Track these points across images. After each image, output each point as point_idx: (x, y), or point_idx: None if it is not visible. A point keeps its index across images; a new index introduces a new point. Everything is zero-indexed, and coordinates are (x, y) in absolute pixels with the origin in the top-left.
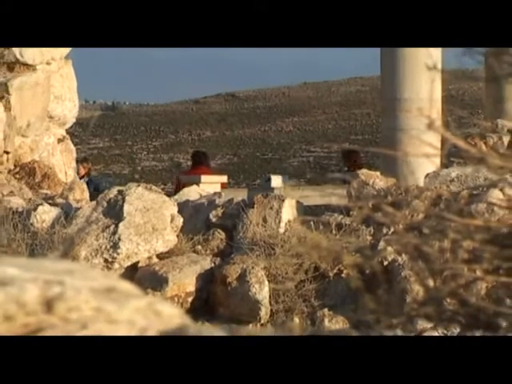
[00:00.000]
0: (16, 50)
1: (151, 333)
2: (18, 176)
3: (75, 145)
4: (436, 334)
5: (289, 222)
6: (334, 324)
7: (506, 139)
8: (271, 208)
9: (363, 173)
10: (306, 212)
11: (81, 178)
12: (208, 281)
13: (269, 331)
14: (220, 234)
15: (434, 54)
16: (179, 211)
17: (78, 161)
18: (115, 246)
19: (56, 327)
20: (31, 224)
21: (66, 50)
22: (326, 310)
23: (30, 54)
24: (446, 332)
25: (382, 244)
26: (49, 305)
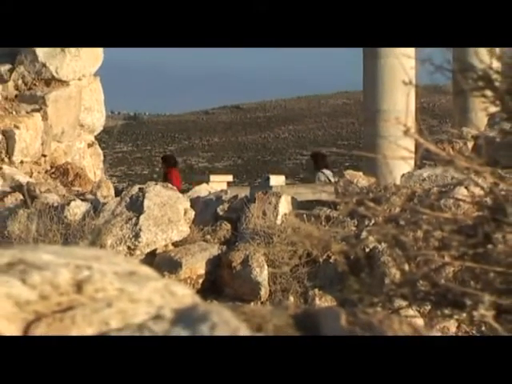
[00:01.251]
0: (52, 68)
1: (167, 310)
2: (53, 176)
3: (102, 149)
4: (411, 311)
5: (285, 215)
6: (324, 302)
7: (470, 144)
8: (270, 203)
9: (348, 173)
10: (300, 206)
11: None
12: (216, 265)
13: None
14: (226, 225)
15: (409, 72)
16: (191, 206)
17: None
18: (137, 236)
19: (85, 305)
20: (65, 217)
21: (94, 68)
22: (316, 290)
23: (64, 71)
24: (419, 309)
25: (364, 234)
26: (79, 286)
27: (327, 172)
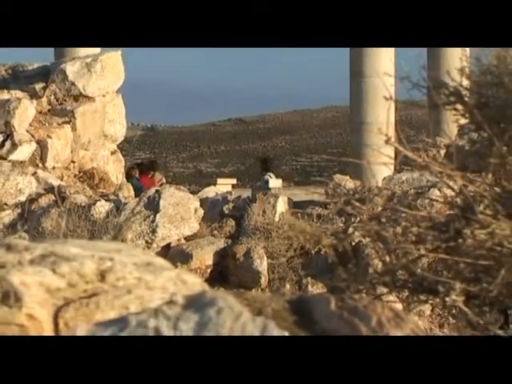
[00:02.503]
0: (80, 86)
1: (179, 296)
2: (81, 179)
3: (123, 156)
4: (391, 297)
5: (282, 213)
6: (316, 289)
7: (442, 152)
8: (269, 203)
9: (337, 177)
10: (295, 206)
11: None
12: (222, 257)
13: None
14: (231, 222)
15: (390, 89)
16: (201, 205)
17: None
18: (153, 231)
19: (108, 292)
20: (91, 215)
21: (117, 86)
22: (309, 278)
23: (90, 88)
24: (398, 295)
25: (351, 229)
26: (102, 275)
27: (271, 174)
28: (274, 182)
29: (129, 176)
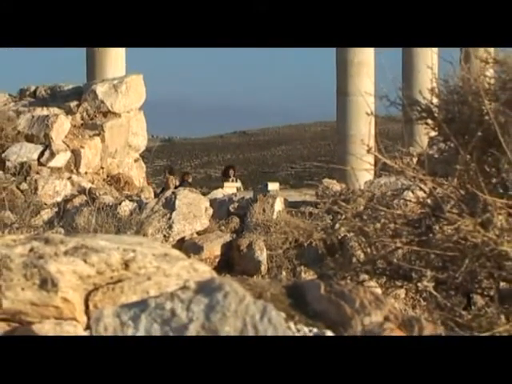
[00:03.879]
0: (108, 104)
1: (192, 282)
2: (109, 183)
3: (145, 163)
4: (372, 283)
5: (279, 211)
6: (308, 276)
7: (415, 160)
8: (268, 203)
9: (325, 181)
10: (290, 205)
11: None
12: (228, 248)
13: (266, 281)
14: (236, 219)
15: (371, 106)
16: (210, 205)
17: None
18: (170, 227)
19: (131, 279)
20: (117, 213)
21: (139, 104)
22: (302, 266)
23: (117, 106)
24: (377, 281)
25: (337, 225)
26: (126, 264)
27: (233, 179)
28: (272, 185)
29: (182, 180)
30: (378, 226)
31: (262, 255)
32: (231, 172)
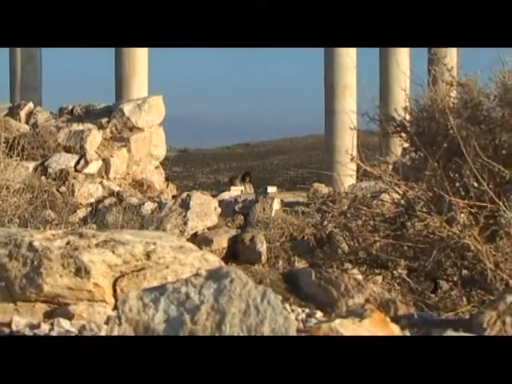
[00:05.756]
0: (133, 120)
1: (203, 270)
2: (134, 186)
3: (164, 170)
4: (355, 271)
5: (276, 210)
6: (301, 264)
7: (390, 167)
8: (267, 203)
9: (315, 185)
10: (286, 205)
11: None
12: (234, 241)
13: (266, 269)
14: (240, 217)
15: (354, 121)
16: (219, 205)
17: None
18: (185, 223)
19: (152, 267)
20: (141, 211)
21: (159, 120)
22: (296, 257)
23: (141, 122)
24: (359, 269)
25: (325, 222)
26: (148, 255)
27: (249, 183)
28: (271, 189)
29: (231, 183)
30: (360, 222)
31: (263, 247)
32: (247, 178)
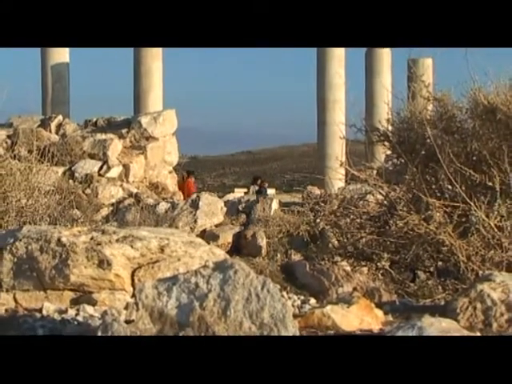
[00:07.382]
0: (149, 131)
1: (210, 262)
2: (150, 189)
3: (176, 174)
4: (344, 263)
5: (275, 210)
6: (297, 257)
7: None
8: (267, 203)
9: (309, 187)
10: (283, 205)
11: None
12: (238, 237)
13: (266, 261)
14: (243, 215)
15: (343, 132)
16: (224, 205)
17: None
18: (195, 221)
19: (165, 260)
20: (156, 211)
21: (172, 130)
22: (292, 250)
23: (156, 132)
24: (348, 261)
25: (318, 220)
26: (162, 249)
27: (255, 187)
28: (270, 191)
29: (260, 187)
30: (348, 220)
31: (263, 242)
32: (258, 181)
